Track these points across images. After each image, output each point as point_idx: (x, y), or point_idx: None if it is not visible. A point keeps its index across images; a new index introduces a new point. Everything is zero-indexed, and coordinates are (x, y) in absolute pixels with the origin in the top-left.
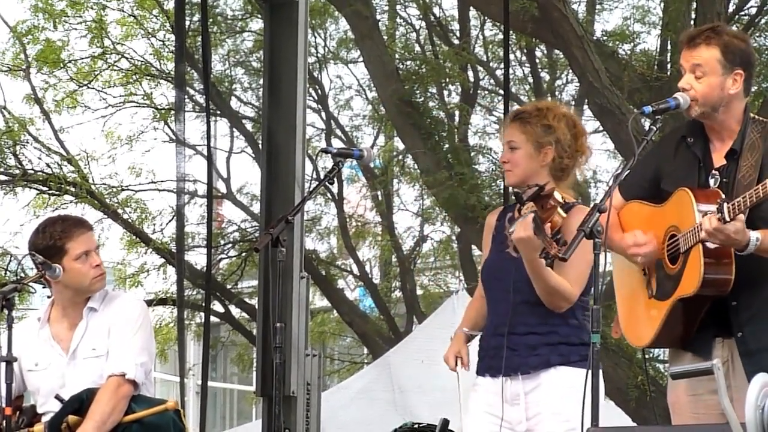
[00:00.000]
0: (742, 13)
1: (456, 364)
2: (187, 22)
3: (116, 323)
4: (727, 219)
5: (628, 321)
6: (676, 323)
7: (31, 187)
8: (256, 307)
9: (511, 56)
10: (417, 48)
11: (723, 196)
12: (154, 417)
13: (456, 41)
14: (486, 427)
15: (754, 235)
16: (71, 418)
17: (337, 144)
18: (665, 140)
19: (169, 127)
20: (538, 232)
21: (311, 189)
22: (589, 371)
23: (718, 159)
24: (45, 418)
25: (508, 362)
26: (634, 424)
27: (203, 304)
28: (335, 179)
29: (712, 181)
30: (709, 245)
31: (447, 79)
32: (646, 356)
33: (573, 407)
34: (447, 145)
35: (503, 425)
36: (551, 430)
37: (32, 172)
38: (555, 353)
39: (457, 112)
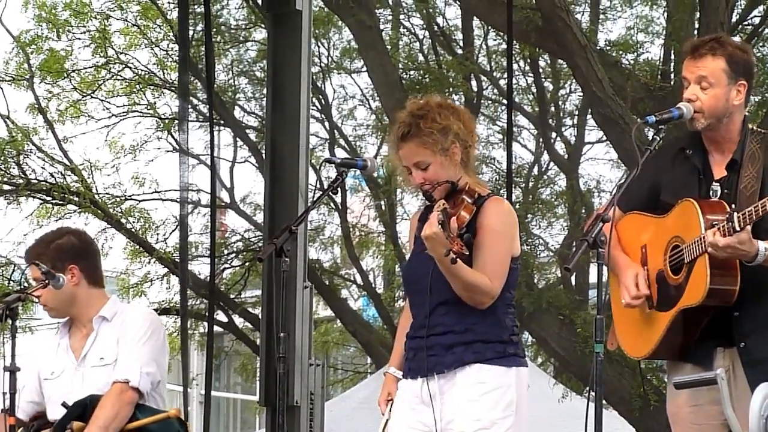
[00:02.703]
0: (746, 22)
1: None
2: (191, 32)
3: (125, 332)
4: (737, 228)
5: (626, 333)
6: (676, 334)
7: (34, 197)
8: (260, 316)
9: (515, 66)
10: (420, 58)
11: (727, 206)
12: (159, 426)
13: (459, 51)
14: (407, 431)
15: (763, 245)
16: (75, 423)
17: (340, 154)
18: (662, 152)
19: (173, 137)
20: (444, 228)
21: (315, 199)
22: (594, 380)
23: (719, 170)
24: None
25: (426, 363)
26: None
27: (207, 314)
28: (339, 189)
29: (713, 193)
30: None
31: (450, 89)
32: (650, 366)
33: (483, 405)
34: None
35: (422, 428)
36: (461, 429)
37: (36, 181)
38: (469, 351)
39: None
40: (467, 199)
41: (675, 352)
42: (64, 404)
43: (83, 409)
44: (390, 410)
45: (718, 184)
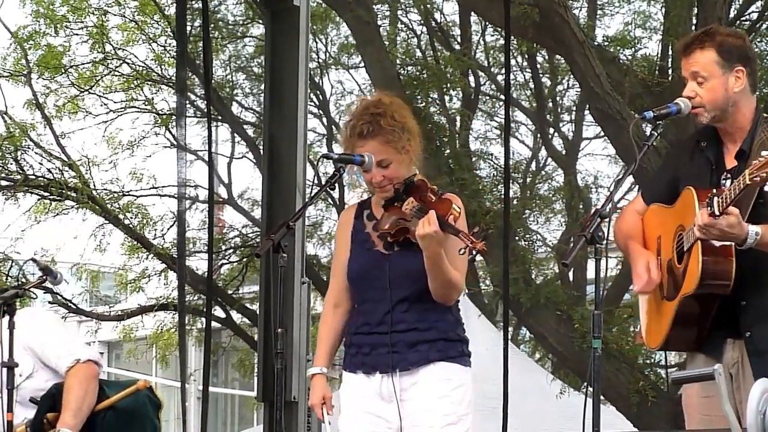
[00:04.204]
0: (743, 18)
1: (323, 412)
2: (189, 28)
3: (30, 335)
4: (717, 213)
5: (646, 324)
6: (686, 324)
7: (32, 193)
8: (258, 312)
9: (512, 61)
10: (418, 53)
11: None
12: (129, 401)
13: (457, 46)
14: (366, 427)
15: (754, 229)
16: (50, 415)
17: (338, 149)
18: (682, 144)
19: (171, 133)
20: (445, 226)
21: (312, 194)
22: (592, 376)
23: (730, 161)
24: None
25: (386, 359)
26: (636, 430)
27: (204, 310)
28: (336, 185)
29: (726, 183)
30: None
31: (448, 85)
32: (647, 362)
33: (451, 401)
34: (448, 151)
35: (381, 423)
36: (428, 426)
37: (33, 177)
38: (434, 349)
39: (458, 118)
40: (433, 196)
41: (689, 343)
42: (32, 399)
43: (53, 400)
44: (327, 414)
45: (729, 174)
